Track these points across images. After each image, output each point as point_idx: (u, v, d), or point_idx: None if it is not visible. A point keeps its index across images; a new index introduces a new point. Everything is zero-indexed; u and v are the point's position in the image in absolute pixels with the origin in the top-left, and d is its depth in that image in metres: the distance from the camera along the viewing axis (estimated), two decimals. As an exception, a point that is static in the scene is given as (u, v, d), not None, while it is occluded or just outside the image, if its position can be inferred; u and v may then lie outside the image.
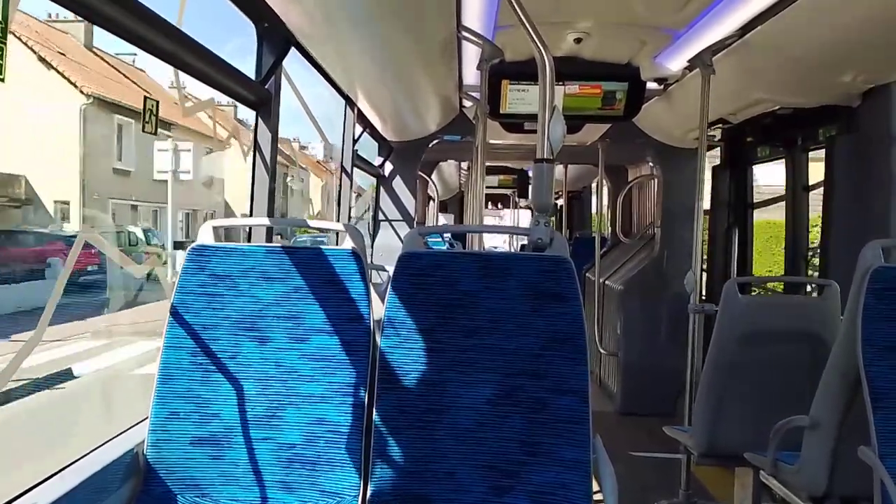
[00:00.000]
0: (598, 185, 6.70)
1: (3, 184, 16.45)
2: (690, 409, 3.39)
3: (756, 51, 3.05)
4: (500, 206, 14.92)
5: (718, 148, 4.91)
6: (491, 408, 1.85)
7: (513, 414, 1.84)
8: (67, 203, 17.80)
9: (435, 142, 5.10)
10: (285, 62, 2.60)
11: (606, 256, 6.61)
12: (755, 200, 4.80)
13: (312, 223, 2.46)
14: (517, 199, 11.77)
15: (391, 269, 1.96)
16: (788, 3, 2.63)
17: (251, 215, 2.61)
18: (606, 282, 6.05)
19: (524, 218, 14.57)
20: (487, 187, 10.76)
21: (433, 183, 8.02)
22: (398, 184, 5.19)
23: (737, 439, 2.85)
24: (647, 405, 5.12)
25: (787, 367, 2.86)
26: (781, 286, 4.68)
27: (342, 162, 4.08)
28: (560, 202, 8.90)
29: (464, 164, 8.22)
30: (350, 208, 4.22)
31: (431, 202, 9.37)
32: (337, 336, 1.91)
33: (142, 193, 19.30)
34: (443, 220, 11.56)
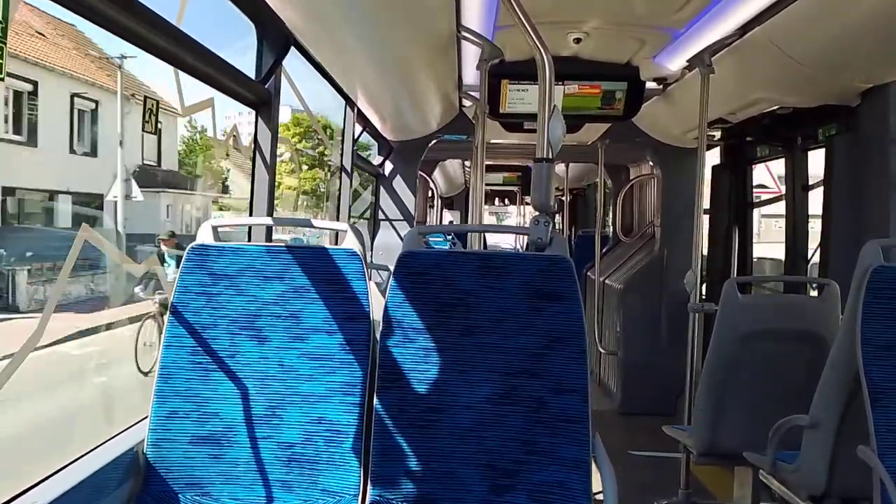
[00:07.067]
0: (599, 184, 6.71)
1: None
2: (690, 408, 3.39)
3: (755, 50, 3.05)
4: (506, 202, 15.00)
5: (718, 147, 4.92)
6: (491, 407, 1.85)
7: (513, 413, 1.84)
8: None
9: (435, 141, 5.11)
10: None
11: (607, 255, 6.61)
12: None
13: (317, 223, 2.47)
14: (523, 196, 11.78)
15: (391, 268, 1.96)
16: (788, 2, 2.63)
17: (251, 214, 2.62)
18: (606, 281, 6.06)
19: (531, 215, 14.58)
20: (492, 184, 10.85)
21: (435, 181, 8.02)
22: (398, 183, 5.19)
23: (736, 438, 2.85)
24: (647, 404, 5.12)
25: (786, 367, 2.86)
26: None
27: (342, 161, 4.09)
28: (564, 198, 8.94)
29: (468, 161, 8.24)
30: (349, 207, 4.22)
31: (437, 199, 9.36)
32: (337, 335, 1.92)
33: None
34: (448, 216, 11.56)
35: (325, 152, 25.01)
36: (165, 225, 17.90)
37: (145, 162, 17.67)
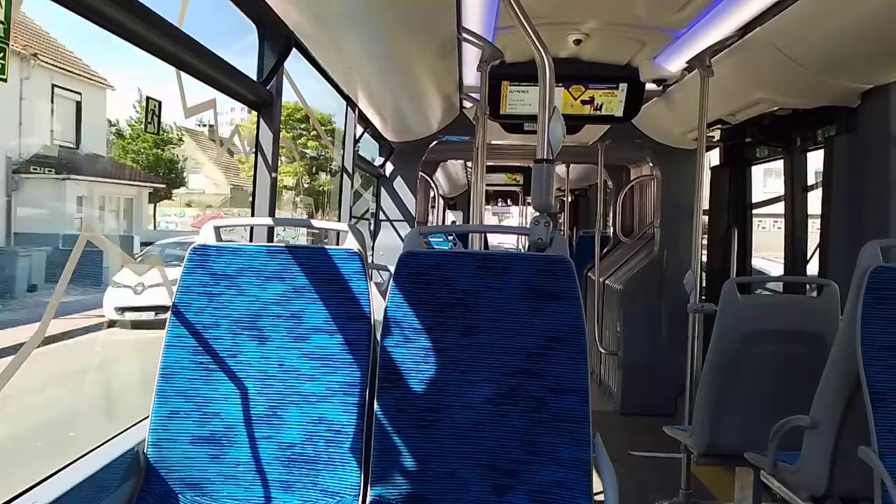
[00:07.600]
0: (598, 185, 6.72)
1: None
2: (690, 408, 3.39)
3: (755, 51, 3.06)
4: (508, 202, 14.97)
5: (718, 148, 4.92)
6: (491, 407, 1.86)
7: (513, 413, 1.85)
8: None
9: (435, 142, 5.12)
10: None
11: (608, 256, 6.62)
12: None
13: (316, 223, 2.47)
14: (525, 196, 11.79)
15: (392, 268, 1.97)
16: (788, 3, 2.64)
17: (253, 215, 2.62)
18: (606, 281, 6.06)
19: (532, 215, 14.59)
20: (495, 185, 10.83)
21: (438, 181, 8.01)
22: (399, 184, 5.20)
23: (737, 439, 2.85)
24: (648, 405, 5.13)
25: (787, 367, 2.86)
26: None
27: (343, 162, 4.10)
28: (565, 199, 8.96)
29: (470, 162, 8.23)
30: (350, 207, 4.23)
31: (438, 199, 9.34)
32: (338, 335, 1.92)
33: None
34: (451, 217, 11.56)
35: (308, 143, 24.21)
36: (74, 221, 14.26)
37: (60, 143, 14.31)
